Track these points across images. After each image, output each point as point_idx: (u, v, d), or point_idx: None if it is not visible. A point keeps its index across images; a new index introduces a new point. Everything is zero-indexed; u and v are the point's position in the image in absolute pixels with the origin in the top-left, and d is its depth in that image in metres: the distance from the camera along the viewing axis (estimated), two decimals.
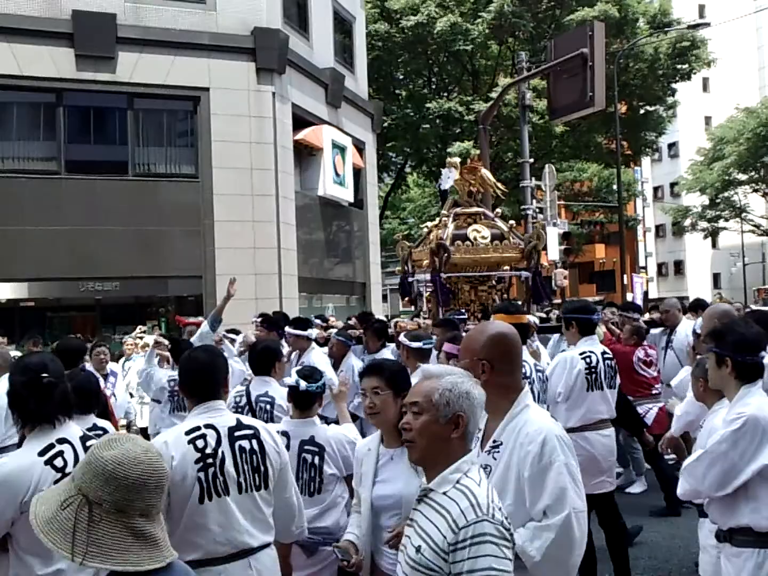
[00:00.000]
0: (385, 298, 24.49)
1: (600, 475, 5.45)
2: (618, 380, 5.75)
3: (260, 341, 4.99)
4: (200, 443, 3.05)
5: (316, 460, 3.87)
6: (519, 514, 2.58)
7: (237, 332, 8.09)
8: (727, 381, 3.49)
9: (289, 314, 10.31)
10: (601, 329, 7.00)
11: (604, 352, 5.62)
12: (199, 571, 2.92)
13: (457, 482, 2.21)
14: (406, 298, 10.73)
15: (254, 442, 3.15)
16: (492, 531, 2.08)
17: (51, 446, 2.90)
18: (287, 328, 7.22)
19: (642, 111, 31.72)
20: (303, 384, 3.86)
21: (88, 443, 2.99)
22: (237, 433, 3.14)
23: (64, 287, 15.36)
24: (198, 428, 3.09)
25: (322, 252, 19.31)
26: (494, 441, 2.72)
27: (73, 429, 3.06)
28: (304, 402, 3.95)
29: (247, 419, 3.29)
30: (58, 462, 2.87)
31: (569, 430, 5.40)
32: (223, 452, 3.07)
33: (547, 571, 2.55)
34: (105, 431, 4.65)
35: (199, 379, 3.23)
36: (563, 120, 19.34)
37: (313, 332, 7.30)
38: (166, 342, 7.57)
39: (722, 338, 3.55)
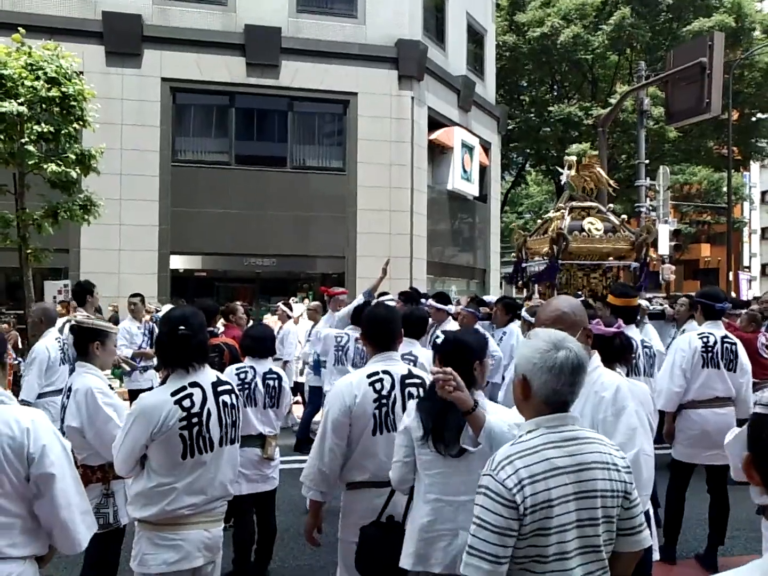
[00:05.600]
0: (501, 284, 24.33)
1: (714, 448, 5.03)
2: (742, 364, 5.32)
3: (416, 309, 5.16)
4: (378, 386, 3.24)
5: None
6: None
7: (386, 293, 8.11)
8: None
9: None
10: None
11: (725, 336, 5.29)
12: (365, 490, 3.19)
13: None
14: (519, 282, 10.60)
15: (420, 389, 3.27)
16: (491, 486, 1.96)
17: (183, 388, 2.97)
18: (429, 301, 7.09)
19: (754, 118, 29.95)
20: None
21: (220, 388, 3.09)
22: (408, 381, 3.29)
23: (230, 261, 16.15)
24: (377, 373, 3.26)
25: (448, 240, 19.43)
26: None
27: (207, 375, 3.09)
28: None
29: (416, 370, 3.41)
30: (186, 403, 2.95)
31: (684, 405, 5.34)
32: (395, 395, 3.25)
33: None
34: (279, 376, 4.83)
35: (379, 331, 3.38)
36: (680, 125, 18.65)
37: (452, 308, 7.21)
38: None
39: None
